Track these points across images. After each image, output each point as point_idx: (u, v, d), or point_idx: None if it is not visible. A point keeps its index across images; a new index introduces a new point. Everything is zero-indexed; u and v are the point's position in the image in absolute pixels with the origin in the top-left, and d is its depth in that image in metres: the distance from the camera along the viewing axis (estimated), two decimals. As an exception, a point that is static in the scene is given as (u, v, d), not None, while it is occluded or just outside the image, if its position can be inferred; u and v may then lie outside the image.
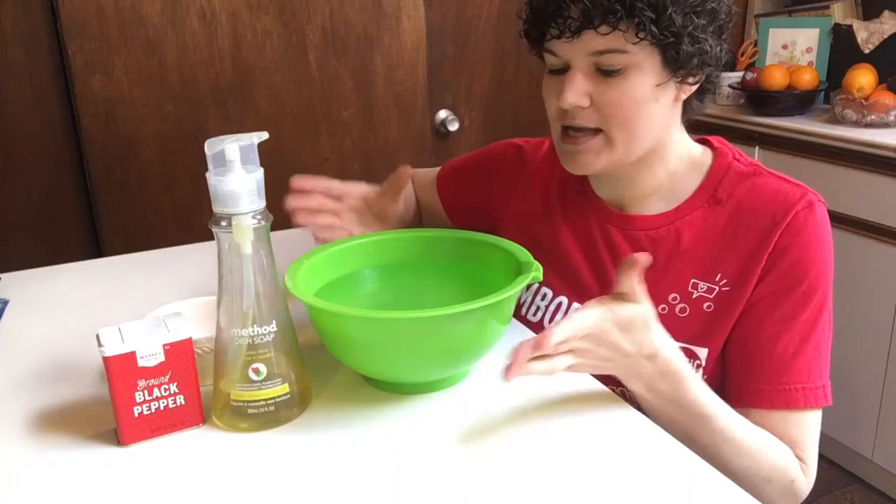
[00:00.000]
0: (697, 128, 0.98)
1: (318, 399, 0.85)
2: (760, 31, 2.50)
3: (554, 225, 1.03)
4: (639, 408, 0.83)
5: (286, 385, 0.79)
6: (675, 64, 0.86)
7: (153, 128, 1.87)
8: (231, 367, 0.77)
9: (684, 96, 0.91)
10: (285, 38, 1.95)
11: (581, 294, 0.99)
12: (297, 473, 0.73)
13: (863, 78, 2.07)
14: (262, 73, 1.94)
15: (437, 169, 1.25)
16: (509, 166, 1.13)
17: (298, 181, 1.04)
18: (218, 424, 0.80)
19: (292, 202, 1.02)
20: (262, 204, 0.76)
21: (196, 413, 0.79)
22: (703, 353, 0.92)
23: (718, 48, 0.88)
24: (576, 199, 1.03)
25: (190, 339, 0.77)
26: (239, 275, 0.76)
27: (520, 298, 1.04)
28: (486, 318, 0.79)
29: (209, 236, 0.77)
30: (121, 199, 1.88)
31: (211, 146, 0.73)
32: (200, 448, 0.77)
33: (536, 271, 0.83)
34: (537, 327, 1.01)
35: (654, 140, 0.91)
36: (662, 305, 0.93)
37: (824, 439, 0.89)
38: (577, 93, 0.87)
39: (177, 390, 0.77)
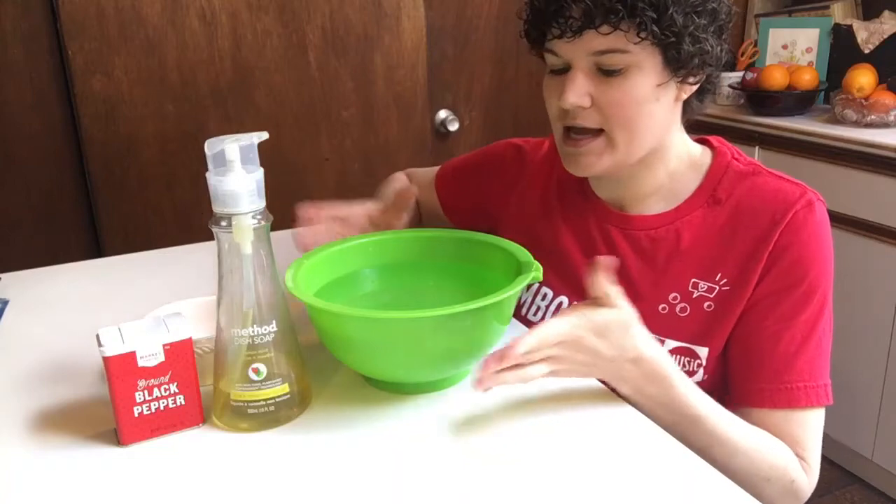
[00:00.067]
0: (697, 128, 0.98)
1: (318, 399, 0.85)
2: (760, 31, 2.50)
3: (554, 225, 1.03)
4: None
5: (286, 385, 0.79)
6: (676, 64, 0.86)
7: (153, 128, 1.87)
8: (231, 367, 0.77)
9: (685, 96, 0.91)
10: (285, 38, 1.95)
11: (581, 294, 0.98)
12: (297, 473, 0.73)
13: (863, 78, 2.07)
14: (262, 73, 1.94)
15: (436, 169, 1.25)
16: (509, 166, 1.13)
17: (305, 212, 1.03)
18: (218, 424, 0.80)
19: (300, 237, 1.02)
20: (262, 204, 0.75)
21: (196, 413, 0.79)
22: (703, 352, 0.92)
23: (719, 48, 0.88)
24: (575, 200, 1.03)
25: (190, 339, 0.77)
26: (239, 275, 0.76)
27: (520, 298, 1.03)
28: (486, 318, 0.79)
29: (209, 236, 0.77)
30: (121, 199, 1.88)
31: (211, 146, 0.73)
32: (200, 448, 0.77)
33: (536, 271, 0.83)
34: (537, 327, 1.00)
35: (654, 140, 0.91)
36: (663, 305, 0.93)
37: (824, 439, 0.89)
38: (578, 93, 0.87)
39: (177, 390, 0.77)
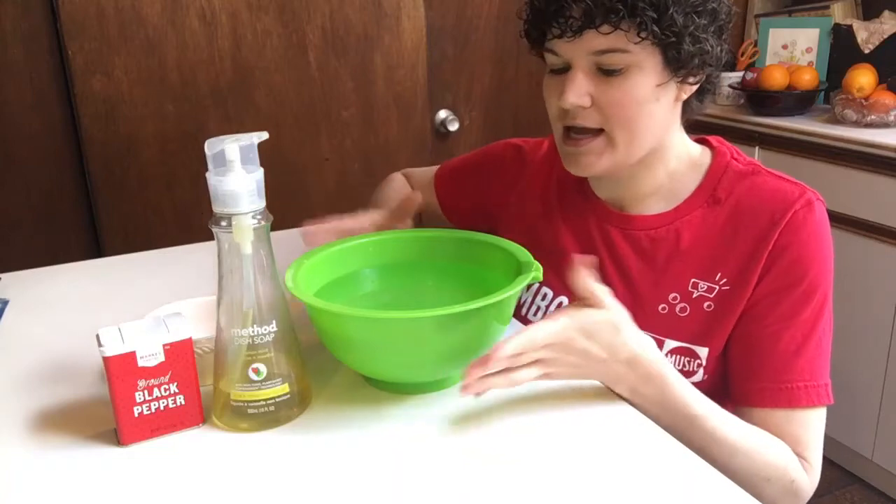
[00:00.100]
0: (697, 128, 0.98)
1: (318, 399, 0.85)
2: (760, 31, 2.50)
3: (554, 225, 1.03)
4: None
5: (286, 385, 0.79)
6: (676, 64, 0.86)
7: (153, 128, 1.87)
8: (231, 367, 0.77)
9: (685, 96, 0.91)
10: (285, 38, 1.95)
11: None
12: (297, 473, 0.73)
13: (863, 78, 2.07)
14: (262, 73, 1.94)
15: (434, 168, 1.25)
16: (509, 166, 1.13)
17: (310, 228, 1.01)
18: (218, 424, 0.80)
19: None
20: (262, 204, 0.75)
21: (196, 413, 0.79)
22: (703, 352, 0.92)
23: (719, 48, 0.88)
24: (575, 200, 1.03)
25: (190, 339, 0.77)
26: (239, 275, 0.76)
27: (520, 298, 1.03)
28: (486, 318, 0.79)
29: (209, 236, 0.77)
30: (121, 199, 1.88)
31: (211, 146, 0.73)
32: (200, 448, 0.77)
33: (536, 271, 0.83)
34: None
35: (654, 140, 0.91)
36: (663, 305, 0.93)
37: (824, 439, 0.89)
38: (578, 92, 0.87)
39: (177, 390, 0.77)
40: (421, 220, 1.24)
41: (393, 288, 0.97)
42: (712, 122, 2.28)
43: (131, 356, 0.74)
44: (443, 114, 2.26)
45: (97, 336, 0.75)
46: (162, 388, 0.76)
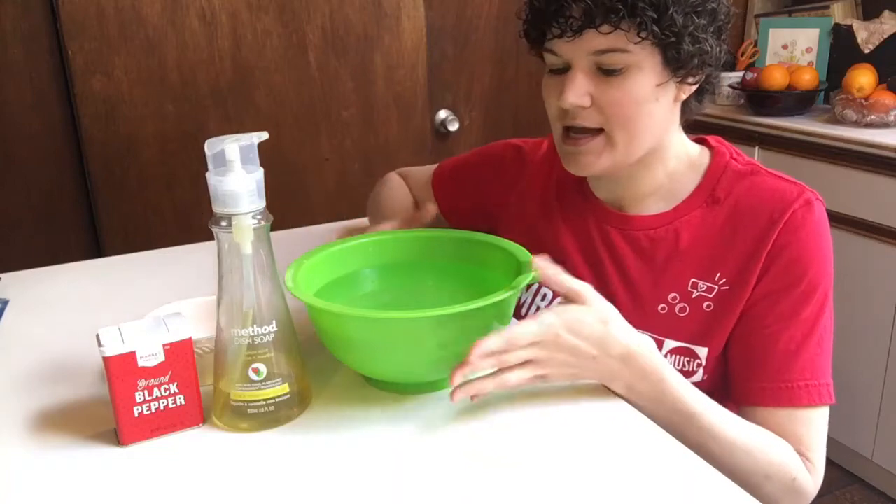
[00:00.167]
0: (697, 128, 0.98)
1: (318, 399, 0.85)
2: (760, 31, 2.50)
3: (553, 225, 1.03)
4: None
5: (286, 385, 0.79)
6: (676, 64, 0.86)
7: (153, 128, 1.87)
8: (231, 367, 0.77)
9: (684, 96, 0.91)
10: (285, 38, 1.95)
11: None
12: (297, 473, 0.73)
13: (863, 78, 2.07)
14: (262, 73, 1.94)
15: (431, 168, 1.25)
16: (509, 166, 1.13)
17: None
18: (218, 424, 0.80)
19: None
20: (262, 204, 0.75)
21: (196, 413, 0.79)
22: (703, 352, 0.92)
23: (718, 48, 0.88)
24: (575, 200, 1.03)
25: (190, 339, 0.77)
26: (239, 275, 0.76)
27: (520, 298, 1.03)
28: (486, 318, 0.79)
29: (209, 236, 0.77)
30: (121, 199, 1.88)
31: (211, 146, 0.73)
32: (200, 448, 0.77)
33: (536, 271, 0.83)
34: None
35: (654, 140, 0.91)
36: (662, 305, 0.93)
37: (824, 439, 0.90)
38: (577, 92, 0.87)
39: (177, 390, 0.77)
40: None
41: (393, 288, 0.97)
42: (712, 122, 2.28)
43: (131, 356, 0.74)
44: (443, 114, 2.26)
45: (97, 336, 0.75)
46: (162, 388, 0.76)
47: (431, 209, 1.06)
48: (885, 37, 2.21)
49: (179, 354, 0.76)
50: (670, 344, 0.93)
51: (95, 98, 1.79)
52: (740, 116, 2.25)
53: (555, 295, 1.01)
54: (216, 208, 0.74)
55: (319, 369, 0.89)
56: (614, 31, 0.83)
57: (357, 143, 2.11)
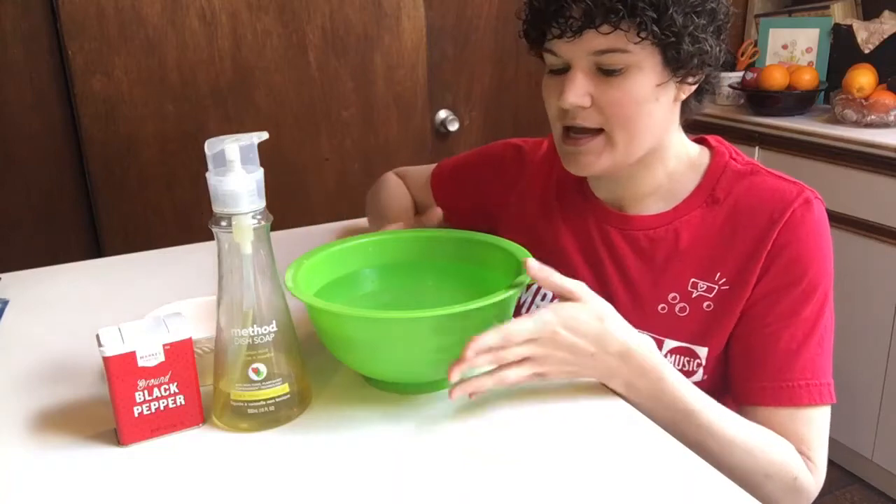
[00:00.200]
0: (697, 128, 0.99)
1: (318, 399, 0.85)
2: (760, 31, 2.50)
3: (553, 225, 1.03)
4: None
5: (286, 385, 0.79)
6: (676, 64, 0.86)
7: (153, 128, 1.87)
8: (231, 367, 0.77)
9: (684, 96, 0.91)
10: (285, 38, 1.95)
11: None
12: (297, 473, 0.73)
13: (863, 78, 2.07)
14: (262, 73, 1.94)
15: (429, 167, 1.25)
16: (509, 166, 1.13)
17: None
18: (218, 424, 0.80)
19: None
20: (262, 204, 0.75)
21: (196, 413, 0.79)
22: (703, 352, 0.92)
23: (717, 48, 0.88)
24: (574, 200, 1.03)
25: (190, 339, 0.77)
26: (239, 275, 0.76)
27: (520, 298, 1.03)
28: (486, 318, 0.79)
29: (209, 236, 0.77)
30: (121, 199, 1.88)
31: (211, 146, 0.73)
32: (200, 448, 0.77)
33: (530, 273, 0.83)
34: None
35: (654, 140, 0.91)
36: (662, 305, 0.93)
37: (824, 439, 0.89)
38: (577, 93, 0.87)
39: (177, 390, 0.77)
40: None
41: (393, 288, 0.97)
42: (712, 122, 2.28)
43: (131, 356, 0.74)
44: (443, 114, 2.26)
45: (97, 336, 0.75)
46: (162, 388, 0.76)
47: (437, 213, 1.06)
48: (885, 37, 2.21)
49: (179, 354, 0.76)
50: (670, 344, 0.93)
51: (95, 98, 1.79)
52: (740, 116, 2.25)
53: (555, 295, 1.01)
54: (216, 208, 0.74)
55: (319, 369, 0.89)
56: (614, 31, 0.83)
57: (357, 143, 2.11)
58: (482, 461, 0.74)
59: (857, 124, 2.04)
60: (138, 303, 0.99)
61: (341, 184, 2.11)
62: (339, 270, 0.94)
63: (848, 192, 1.97)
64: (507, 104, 2.35)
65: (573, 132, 0.91)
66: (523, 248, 0.89)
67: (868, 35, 2.24)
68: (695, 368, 0.92)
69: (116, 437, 0.77)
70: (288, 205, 2.01)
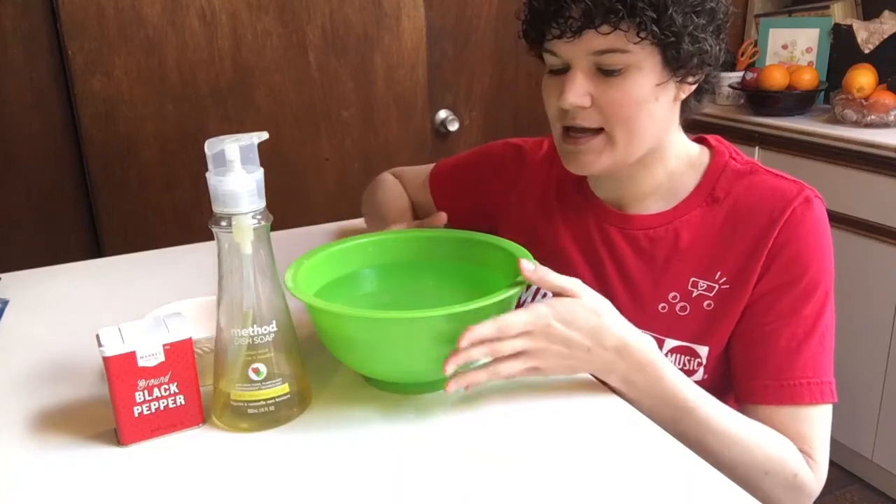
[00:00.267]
0: (697, 127, 0.99)
1: (318, 399, 0.85)
2: (760, 31, 2.50)
3: (553, 225, 1.03)
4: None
5: (286, 385, 0.79)
6: (676, 63, 0.86)
7: (153, 128, 1.87)
8: (231, 367, 0.77)
9: (683, 96, 0.91)
10: (285, 38, 1.95)
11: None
12: (297, 473, 0.73)
13: (863, 78, 2.07)
14: (262, 73, 1.94)
15: (427, 167, 1.25)
16: (509, 166, 1.13)
17: None
18: (218, 424, 0.80)
19: None
20: (262, 204, 0.75)
21: (196, 413, 0.79)
22: (703, 351, 0.92)
23: (717, 48, 0.88)
24: (575, 199, 1.03)
25: (190, 339, 0.77)
26: (239, 275, 0.76)
27: (520, 298, 1.03)
28: (485, 318, 0.79)
29: (209, 236, 0.77)
30: (121, 199, 1.88)
31: (211, 146, 0.73)
32: (200, 448, 0.77)
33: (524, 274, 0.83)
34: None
35: (654, 140, 0.91)
36: (662, 304, 0.93)
37: (824, 439, 0.89)
38: (577, 93, 0.87)
39: (177, 390, 0.77)
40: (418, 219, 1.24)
41: (393, 288, 0.97)
42: (712, 122, 2.28)
43: (131, 356, 0.74)
44: (443, 114, 2.26)
45: (97, 336, 0.75)
46: (162, 388, 0.76)
47: (441, 218, 1.06)
48: (885, 37, 2.21)
49: (179, 354, 0.76)
50: (671, 343, 0.93)
51: (95, 98, 1.79)
52: (740, 116, 2.25)
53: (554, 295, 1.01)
54: (216, 208, 0.74)
55: (319, 369, 0.89)
56: (614, 31, 0.83)
57: (357, 143, 2.11)
58: (482, 461, 0.74)
59: (857, 124, 2.04)
60: (138, 303, 0.99)
61: (341, 184, 2.11)
62: (338, 270, 0.94)
63: (848, 192, 1.97)
64: (507, 104, 2.35)
65: (573, 131, 0.91)
66: (523, 248, 0.89)
67: (868, 35, 2.24)
68: (695, 368, 0.92)
69: (116, 437, 0.77)
70: (288, 205, 2.01)
